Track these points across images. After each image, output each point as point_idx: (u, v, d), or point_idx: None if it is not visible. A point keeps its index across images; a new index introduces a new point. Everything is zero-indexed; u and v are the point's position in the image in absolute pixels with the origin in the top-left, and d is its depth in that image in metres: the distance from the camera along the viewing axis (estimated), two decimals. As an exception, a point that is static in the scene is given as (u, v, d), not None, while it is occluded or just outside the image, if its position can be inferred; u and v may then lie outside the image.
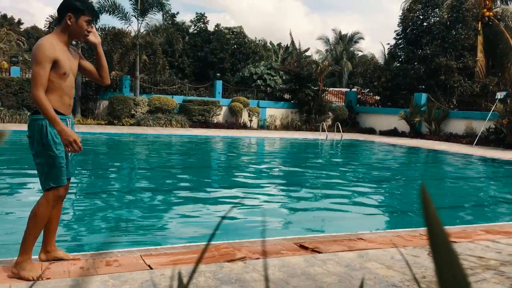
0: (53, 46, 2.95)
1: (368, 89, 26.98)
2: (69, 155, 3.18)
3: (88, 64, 3.36)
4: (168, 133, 17.30)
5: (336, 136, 19.81)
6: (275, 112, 23.90)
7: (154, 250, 3.73)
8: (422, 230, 4.66)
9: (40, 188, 3.10)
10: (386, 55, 26.48)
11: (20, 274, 2.92)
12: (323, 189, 8.53)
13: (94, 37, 3.23)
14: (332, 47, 40.03)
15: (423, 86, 22.54)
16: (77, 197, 6.66)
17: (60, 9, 3.06)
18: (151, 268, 3.20)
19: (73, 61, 3.16)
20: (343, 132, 20.08)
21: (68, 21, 3.01)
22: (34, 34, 47.36)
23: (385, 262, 3.58)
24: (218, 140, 17.04)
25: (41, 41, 2.97)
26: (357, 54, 39.64)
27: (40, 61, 2.89)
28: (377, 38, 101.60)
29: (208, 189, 7.88)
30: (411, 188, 9.00)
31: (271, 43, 37.58)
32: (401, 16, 24.60)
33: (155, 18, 41.13)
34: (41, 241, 3.28)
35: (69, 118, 3.15)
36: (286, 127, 23.59)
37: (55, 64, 2.95)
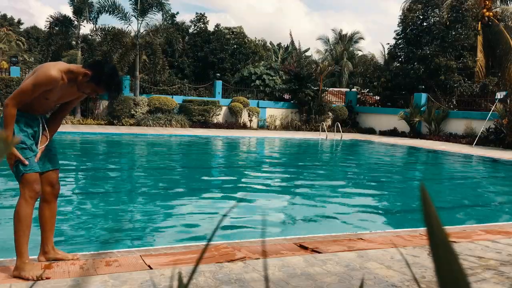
0: (59, 78, 2.97)
1: (368, 89, 26.97)
2: (37, 148, 3.14)
3: (67, 107, 3.36)
4: (168, 133, 17.30)
5: (336, 136, 19.81)
6: (275, 112, 23.88)
7: (154, 250, 3.73)
8: (422, 230, 4.66)
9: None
10: (386, 55, 26.45)
11: (20, 275, 2.95)
12: (323, 189, 8.53)
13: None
14: (332, 47, 39.99)
15: (423, 86, 22.52)
16: (77, 197, 6.66)
17: (94, 64, 3.10)
18: (151, 268, 3.20)
19: (66, 95, 3.16)
20: (343, 132, 20.07)
21: (80, 76, 3.02)
22: (34, 34, 47.30)
23: (385, 262, 3.58)
24: (218, 140, 17.04)
25: (54, 69, 2.97)
26: (357, 54, 39.60)
27: (37, 84, 2.93)
28: (377, 38, 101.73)
29: (208, 189, 7.87)
30: (411, 188, 9.00)
31: (271, 43, 37.57)
32: (401, 16, 24.58)
33: (155, 18, 41.16)
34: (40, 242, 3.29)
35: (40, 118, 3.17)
36: (286, 127, 23.58)
37: (46, 91, 3.00)
